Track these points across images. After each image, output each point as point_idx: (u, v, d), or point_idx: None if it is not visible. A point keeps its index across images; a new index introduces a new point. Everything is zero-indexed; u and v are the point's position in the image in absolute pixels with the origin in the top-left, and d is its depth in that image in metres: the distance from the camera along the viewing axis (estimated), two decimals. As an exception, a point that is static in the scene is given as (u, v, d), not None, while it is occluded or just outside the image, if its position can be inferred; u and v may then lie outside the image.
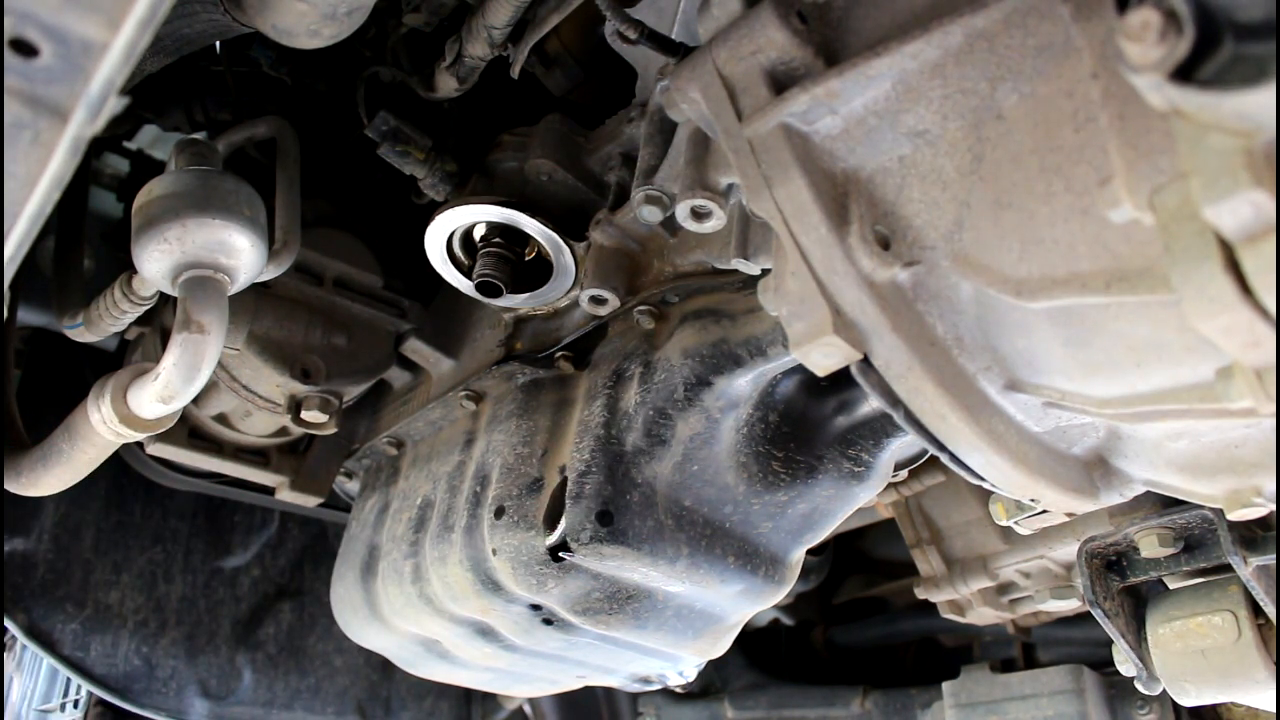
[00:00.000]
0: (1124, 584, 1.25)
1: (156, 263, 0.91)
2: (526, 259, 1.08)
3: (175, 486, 1.59)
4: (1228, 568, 1.16)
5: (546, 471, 1.00)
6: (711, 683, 2.15)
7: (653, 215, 0.85)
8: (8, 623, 1.52)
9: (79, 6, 0.44)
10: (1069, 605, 1.62)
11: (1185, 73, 0.43)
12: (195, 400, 1.22)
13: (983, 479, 0.75)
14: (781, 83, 0.68)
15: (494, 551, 0.99)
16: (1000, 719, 1.65)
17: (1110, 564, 1.26)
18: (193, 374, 0.93)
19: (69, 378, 1.64)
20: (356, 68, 1.18)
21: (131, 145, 1.69)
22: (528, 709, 2.19)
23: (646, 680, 1.29)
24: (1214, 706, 1.59)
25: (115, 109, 0.49)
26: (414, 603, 1.11)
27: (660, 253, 0.99)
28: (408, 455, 1.31)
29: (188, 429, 1.34)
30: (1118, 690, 1.60)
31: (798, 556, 1.14)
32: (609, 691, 2.23)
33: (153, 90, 1.34)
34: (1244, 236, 0.46)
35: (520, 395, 1.11)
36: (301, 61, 1.32)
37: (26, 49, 0.45)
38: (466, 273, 1.09)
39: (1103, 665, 1.60)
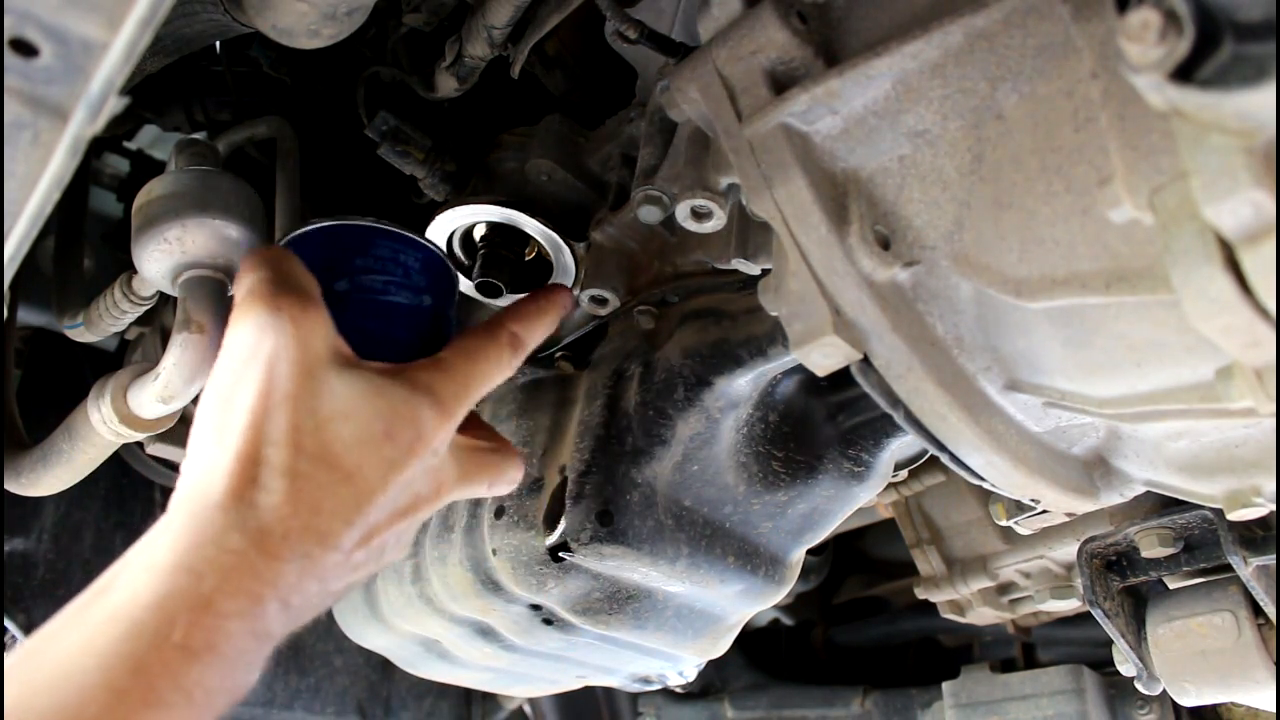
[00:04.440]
0: (1124, 584, 1.25)
1: (156, 263, 0.91)
2: (526, 259, 1.08)
3: (175, 486, 1.59)
4: (1228, 568, 1.16)
5: (546, 471, 1.00)
6: (711, 683, 2.15)
7: (653, 215, 0.85)
8: (8, 623, 1.52)
9: (79, 6, 0.44)
10: (1069, 605, 1.62)
11: (1185, 73, 0.43)
12: (196, 400, 1.22)
13: (983, 479, 0.75)
14: (781, 83, 0.68)
15: (494, 551, 0.99)
16: (1000, 719, 1.65)
17: (1110, 564, 1.26)
18: (193, 374, 0.93)
19: (69, 378, 1.64)
20: (356, 68, 1.18)
21: (131, 145, 1.69)
22: (528, 709, 2.19)
23: (646, 680, 1.29)
24: (1214, 706, 1.59)
25: (115, 109, 0.49)
26: (414, 603, 1.11)
27: (660, 253, 0.99)
28: (408, 455, 1.31)
29: (188, 429, 1.34)
30: (1118, 690, 1.60)
31: (798, 556, 1.14)
32: (609, 691, 2.23)
33: (153, 90, 1.34)
34: (1244, 236, 0.46)
35: (520, 395, 1.11)
36: (301, 61, 1.32)
37: (26, 49, 0.45)
38: (467, 273, 1.09)
39: (1103, 665, 1.60)
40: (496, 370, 0.73)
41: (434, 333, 0.81)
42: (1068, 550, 1.54)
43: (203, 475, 0.60)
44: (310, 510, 0.59)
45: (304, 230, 0.79)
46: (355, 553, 0.62)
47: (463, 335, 0.75)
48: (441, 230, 1.07)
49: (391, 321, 0.78)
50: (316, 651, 1.84)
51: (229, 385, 0.63)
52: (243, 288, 0.66)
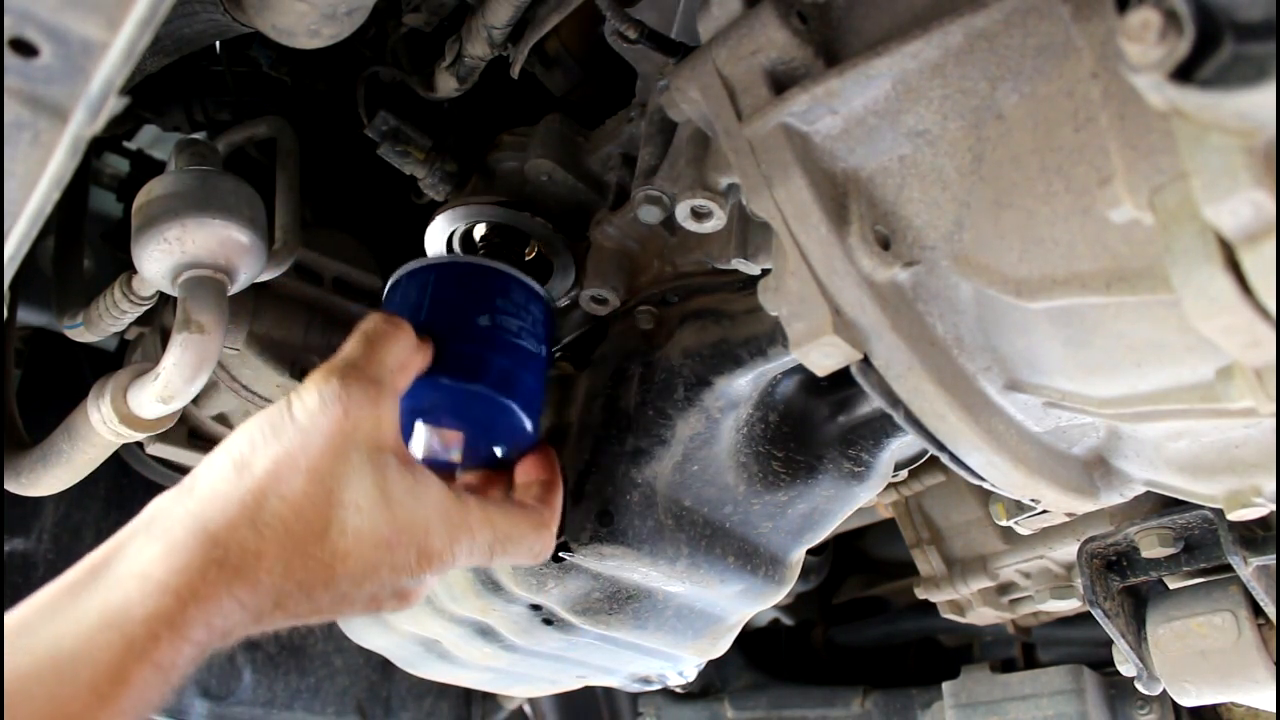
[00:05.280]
0: (1124, 584, 1.25)
1: (156, 263, 0.91)
2: (527, 259, 1.08)
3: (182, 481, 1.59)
4: (1228, 568, 1.16)
5: (546, 471, 1.00)
6: (711, 683, 2.15)
7: (653, 215, 0.85)
8: (8, 623, 1.52)
9: (79, 6, 0.44)
10: (1069, 605, 1.62)
11: (1185, 73, 0.43)
12: (195, 400, 1.22)
13: (983, 479, 0.75)
14: (781, 83, 0.68)
15: (494, 551, 0.99)
16: (1000, 719, 1.65)
17: (1110, 564, 1.26)
18: (193, 374, 0.93)
19: (69, 378, 1.64)
20: (356, 68, 1.18)
21: (131, 145, 1.69)
22: (528, 709, 2.19)
23: (646, 680, 1.29)
24: (1214, 706, 1.59)
25: (115, 109, 0.49)
26: (414, 603, 1.11)
27: (660, 253, 0.99)
28: (408, 455, 1.31)
29: (188, 429, 1.34)
30: (1118, 690, 1.60)
31: (798, 556, 1.14)
32: (609, 691, 2.23)
33: (153, 90, 1.34)
34: (1244, 236, 0.46)
35: (520, 395, 1.11)
36: (301, 61, 1.32)
37: (26, 49, 0.45)
38: (466, 273, 1.09)
39: (1103, 665, 1.60)
40: (524, 550, 0.80)
41: (543, 383, 0.89)
42: (1068, 550, 1.54)
43: (211, 498, 0.64)
44: (284, 571, 0.63)
45: (459, 260, 0.89)
46: (298, 616, 0.66)
47: (529, 506, 0.83)
48: (441, 230, 1.07)
49: (520, 363, 0.86)
50: (316, 651, 1.84)
51: (268, 431, 0.67)
52: (339, 353, 0.74)
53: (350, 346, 0.74)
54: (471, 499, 0.76)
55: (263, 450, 0.66)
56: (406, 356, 0.76)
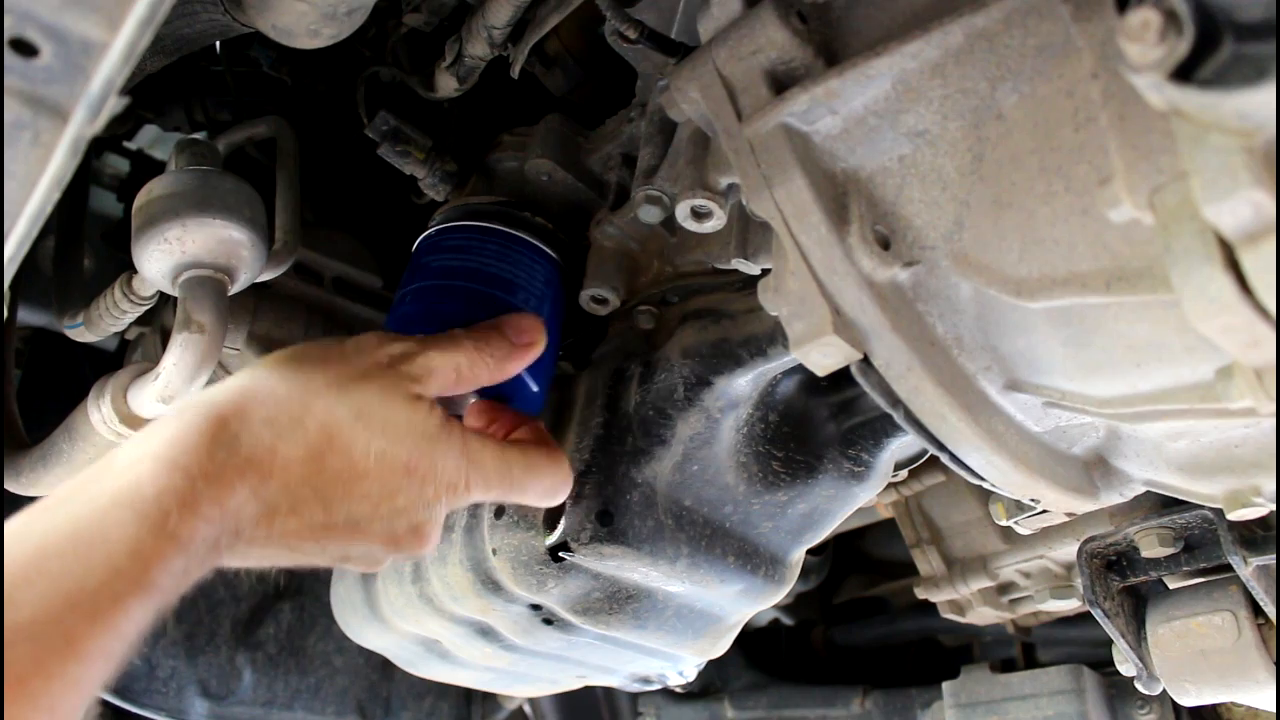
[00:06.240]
0: (1124, 584, 1.25)
1: (156, 263, 0.91)
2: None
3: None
4: (1228, 568, 1.16)
5: (546, 471, 1.00)
6: (711, 683, 2.15)
7: (653, 215, 0.85)
8: (8, 622, 1.52)
9: (79, 6, 0.44)
10: (1069, 605, 1.62)
11: (1185, 73, 0.43)
12: (195, 400, 1.22)
13: (983, 479, 0.75)
14: (781, 83, 0.68)
15: (494, 551, 0.99)
16: (1000, 719, 1.65)
17: (1110, 564, 1.26)
18: (193, 374, 0.93)
19: (69, 378, 1.64)
20: (356, 68, 1.18)
21: (131, 145, 1.69)
22: (528, 709, 2.19)
23: (646, 680, 1.29)
24: (1214, 706, 1.59)
25: (115, 109, 0.49)
26: (414, 602, 1.11)
27: (660, 253, 0.99)
28: (408, 455, 1.30)
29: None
30: (1118, 690, 1.60)
31: (798, 556, 1.14)
32: (609, 691, 2.23)
33: (153, 90, 1.34)
34: (1244, 236, 0.46)
35: (520, 395, 1.10)
36: (301, 61, 1.32)
37: (26, 49, 0.45)
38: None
39: (1103, 665, 1.60)
40: (541, 485, 0.82)
41: (554, 348, 0.93)
42: (1068, 550, 1.54)
43: (232, 390, 0.66)
44: (300, 472, 0.64)
45: (480, 225, 0.93)
46: (314, 529, 0.67)
47: (541, 445, 0.84)
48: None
49: None
50: (316, 651, 1.84)
51: (315, 351, 0.71)
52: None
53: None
54: (484, 437, 0.79)
55: (304, 365, 0.69)
56: (493, 370, 0.81)
